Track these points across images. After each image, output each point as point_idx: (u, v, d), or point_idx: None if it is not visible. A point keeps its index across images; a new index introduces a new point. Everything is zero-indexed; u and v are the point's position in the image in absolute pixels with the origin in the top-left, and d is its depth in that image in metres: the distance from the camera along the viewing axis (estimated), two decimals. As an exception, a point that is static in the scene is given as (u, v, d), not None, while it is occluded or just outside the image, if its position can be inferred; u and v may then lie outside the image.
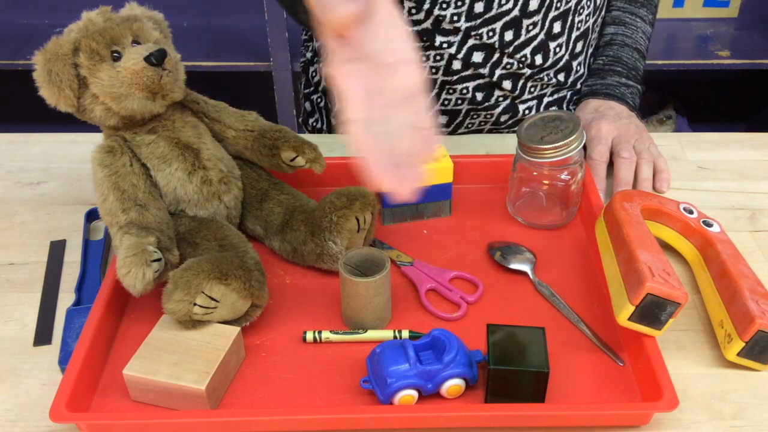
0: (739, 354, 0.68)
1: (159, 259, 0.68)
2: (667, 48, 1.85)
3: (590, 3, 0.99)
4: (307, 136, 0.85)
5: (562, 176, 0.82)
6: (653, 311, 0.66)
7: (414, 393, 0.65)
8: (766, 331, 0.66)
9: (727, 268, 0.73)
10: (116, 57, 0.72)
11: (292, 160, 0.82)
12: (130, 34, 0.73)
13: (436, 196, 0.86)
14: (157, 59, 0.70)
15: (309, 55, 1.12)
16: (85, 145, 1.02)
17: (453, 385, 0.66)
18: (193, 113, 0.80)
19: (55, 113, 0.77)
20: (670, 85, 2.14)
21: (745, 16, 1.94)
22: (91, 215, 0.89)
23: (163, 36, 0.77)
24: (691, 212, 0.80)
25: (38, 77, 0.71)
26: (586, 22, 1.00)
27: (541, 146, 0.79)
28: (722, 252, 0.75)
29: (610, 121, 0.94)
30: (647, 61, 1.93)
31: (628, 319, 0.67)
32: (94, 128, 0.79)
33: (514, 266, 0.80)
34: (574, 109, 1.06)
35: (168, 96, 0.74)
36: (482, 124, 1.03)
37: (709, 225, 0.79)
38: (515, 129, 1.04)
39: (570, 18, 0.97)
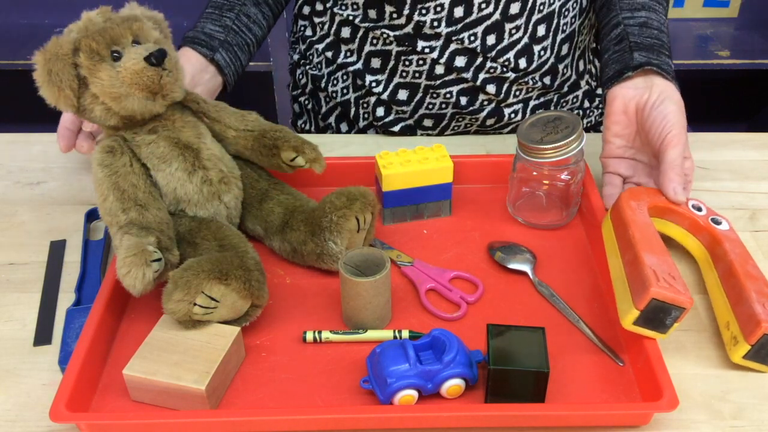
0: (745, 357, 0.68)
1: (159, 259, 0.68)
2: (667, 48, 1.85)
3: (576, 5, 0.98)
4: (306, 137, 0.85)
5: (562, 176, 0.82)
6: (658, 316, 0.66)
7: (414, 393, 0.65)
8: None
9: (734, 269, 0.72)
10: (116, 57, 0.72)
11: (292, 160, 0.82)
12: (130, 34, 0.73)
13: (436, 196, 0.86)
14: (157, 59, 0.70)
15: (296, 57, 1.12)
16: (85, 145, 1.02)
17: (453, 385, 0.66)
18: (193, 113, 0.80)
19: (55, 113, 0.77)
20: (670, 85, 2.13)
21: (745, 16, 1.94)
22: (91, 215, 0.89)
23: (163, 36, 0.77)
24: (699, 209, 0.79)
25: (38, 77, 0.71)
26: (572, 24, 0.99)
27: (541, 146, 0.79)
28: (730, 251, 0.74)
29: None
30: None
31: (633, 323, 0.67)
32: (94, 128, 0.79)
33: (514, 266, 0.80)
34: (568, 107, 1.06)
35: (168, 96, 0.74)
36: (468, 126, 1.03)
37: (718, 223, 0.79)
38: (502, 132, 1.04)
39: (555, 21, 0.96)
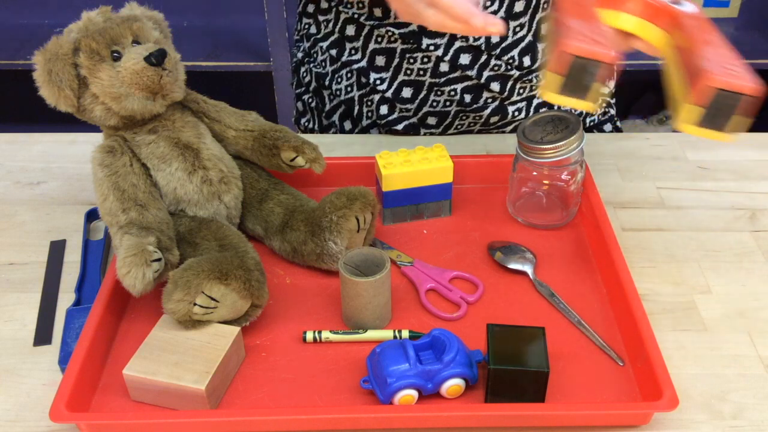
0: (699, 122, 0.59)
1: (159, 259, 0.68)
2: (667, 48, 1.85)
3: None
4: (306, 136, 0.85)
5: (562, 176, 0.82)
6: (581, 76, 0.59)
7: (414, 393, 0.65)
8: (725, 90, 0.57)
9: (694, 37, 0.62)
10: (116, 57, 0.72)
11: (292, 160, 0.82)
12: (130, 34, 0.73)
13: (436, 196, 0.86)
14: (157, 59, 0.70)
15: (300, 55, 1.12)
16: (85, 145, 1.02)
17: (453, 385, 0.66)
18: (193, 113, 0.80)
19: (55, 113, 0.77)
20: (670, 85, 2.13)
21: (745, 16, 1.94)
22: (91, 215, 0.89)
23: (163, 36, 0.77)
24: None
25: (38, 77, 0.71)
26: None
27: (541, 146, 0.79)
28: (689, 27, 0.64)
29: None
30: (648, 61, 1.92)
31: (554, 92, 0.60)
32: (94, 128, 0.79)
33: (514, 266, 0.80)
34: None
35: (168, 96, 0.74)
36: (471, 125, 1.03)
37: (678, 3, 0.67)
38: (505, 130, 1.04)
39: None
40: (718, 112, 0.58)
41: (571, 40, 0.58)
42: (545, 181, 0.83)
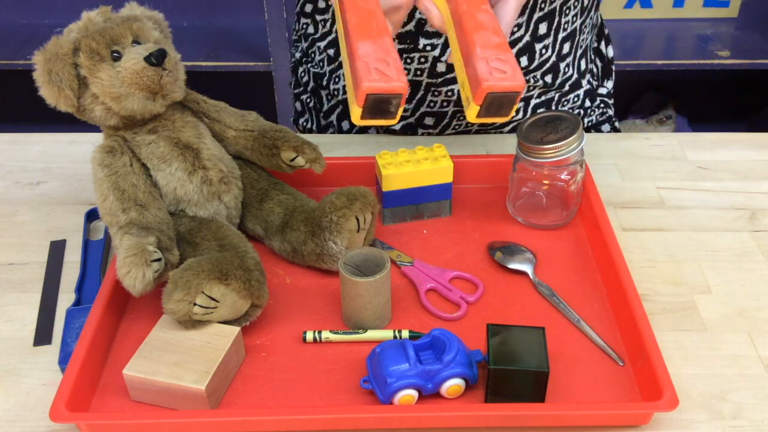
0: (478, 116, 0.64)
1: (159, 259, 0.68)
2: (667, 48, 1.85)
3: (577, 3, 0.98)
4: (305, 136, 0.85)
5: (562, 176, 0.82)
6: (381, 107, 0.62)
7: (414, 393, 0.65)
8: (496, 93, 0.62)
9: (464, 20, 0.66)
10: (116, 57, 0.72)
11: (292, 160, 0.82)
12: (130, 34, 0.73)
13: (436, 196, 0.86)
14: (157, 59, 0.70)
15: (298, 55, 1.12)
16: (85, 145, 1.02)
17: (453, 385, 0.66)
18: (193, 113, 0.80)
19: (55, 113, 0.77)
20: (670, 85, 2.14)
21: (745, 16, 1.94)
22: (91, 215, 0.89)
23: (163, 36, 0.77)
24: None
25: (38, 77, 0.71)
26: (573, 23, 0.99)
27: (541, 146, 0.79)
28: (462, 2, 0.67)
29: None
30: (648, 61, 1.92)
31: (361, 119, 0.63)
32: (94, 128, 0.79)
33: (514, 266, 0.80)
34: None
35: (168, 96, 0.74)
36: (469, 125, 1.03)
37: None
38: (503, 131, 1.04)
39: (556, 19, 0.96)
40: (496, 107, 0.64)
41: (365, 81, 0.61)
42: (545, 181, 0.83)
